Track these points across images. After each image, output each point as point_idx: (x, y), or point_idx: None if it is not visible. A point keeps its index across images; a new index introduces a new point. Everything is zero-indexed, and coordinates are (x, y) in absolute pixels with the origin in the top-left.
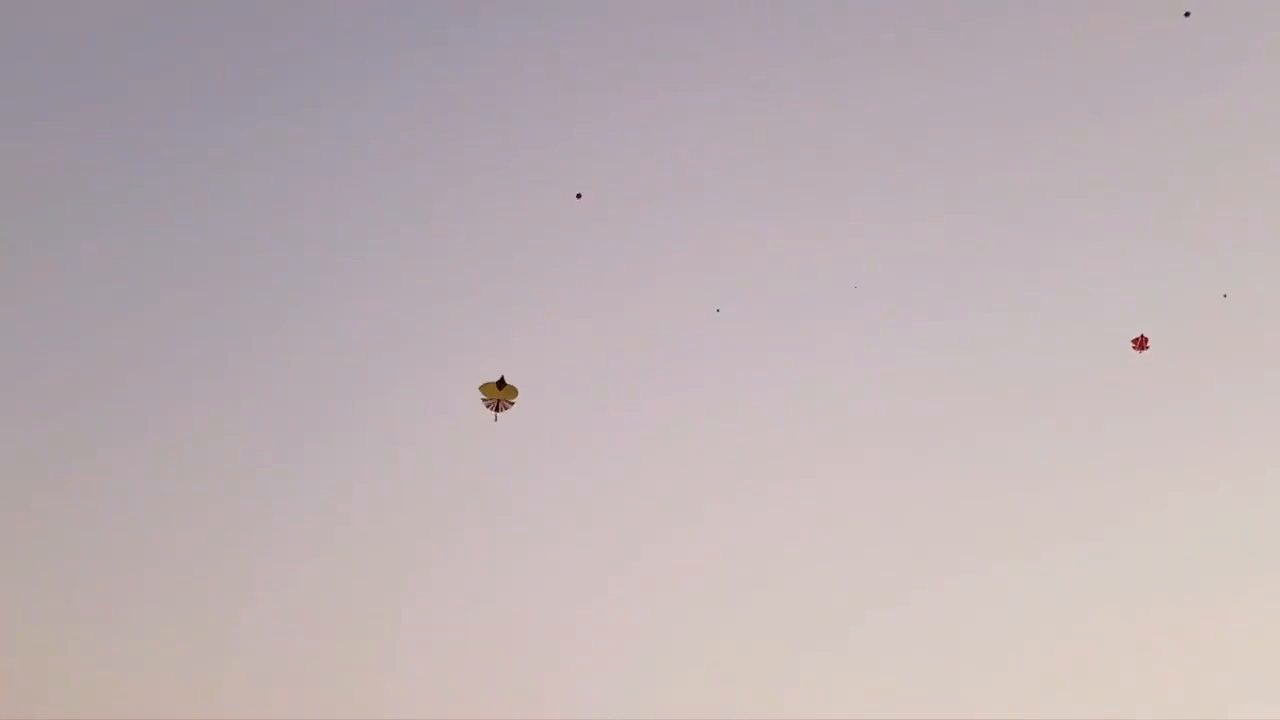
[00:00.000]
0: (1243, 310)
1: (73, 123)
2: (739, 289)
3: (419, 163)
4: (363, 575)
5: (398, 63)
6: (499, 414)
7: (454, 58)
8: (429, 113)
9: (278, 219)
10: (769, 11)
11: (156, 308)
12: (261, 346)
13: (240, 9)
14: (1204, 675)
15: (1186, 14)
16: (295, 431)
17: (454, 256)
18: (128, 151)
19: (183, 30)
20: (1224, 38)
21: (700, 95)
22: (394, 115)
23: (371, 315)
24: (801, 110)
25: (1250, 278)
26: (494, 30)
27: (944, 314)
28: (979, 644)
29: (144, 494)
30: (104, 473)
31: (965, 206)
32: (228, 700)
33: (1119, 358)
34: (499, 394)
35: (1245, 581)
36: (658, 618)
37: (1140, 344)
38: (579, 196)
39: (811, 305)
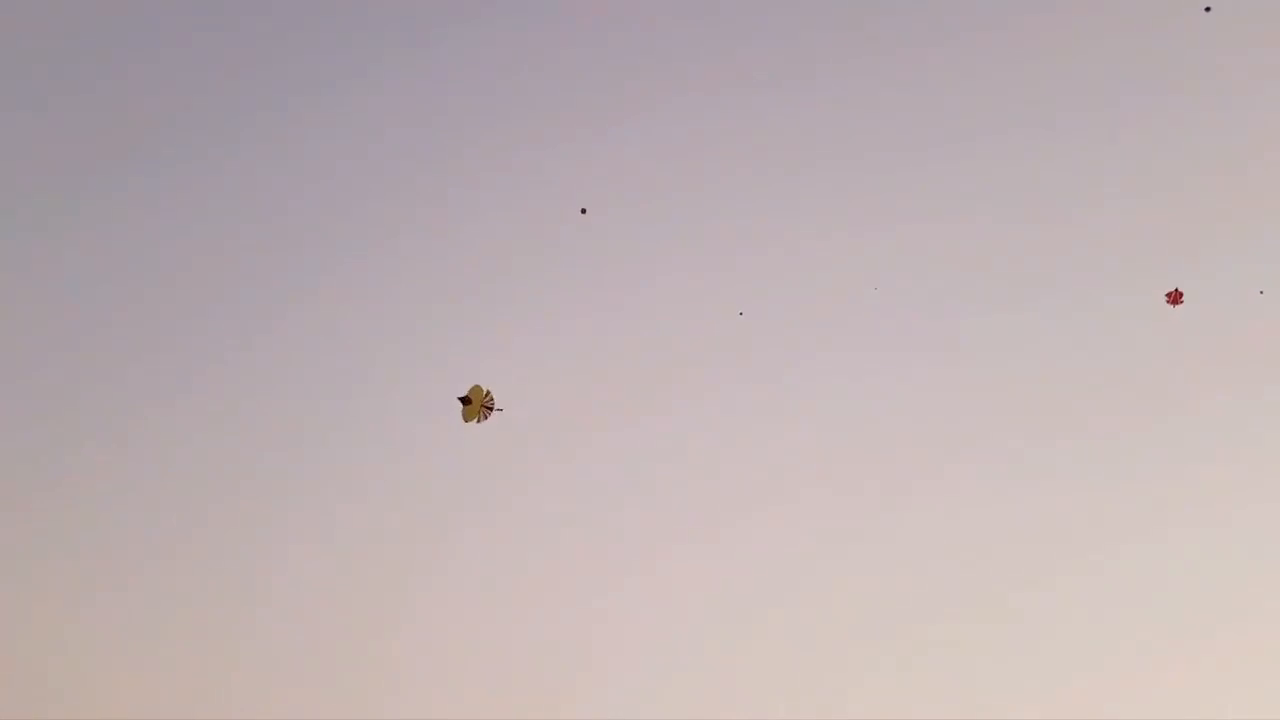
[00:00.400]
0: None
1: (63, 120)
2: (761, 292)
3: (423, 167)
4: (368, 577)
5: (396, 67)
6: (497, 411)
7: (453, 62)
8: (431, 118)
9: (278, 221)
10: (787, 13)
11: (155, 307)
12: (264, 346)
13: (236, 11)
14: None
15: (1207, 9)
16: (301, 431)
17: (463, 264)
18: (119, 152)
19: (185, 31)
20: (1247, 31)
21: (717, 97)
22: (394, 120)
23: (380, 315)
24: (821, 109)
25: None
26: (494, 33)
27: (973, 313)
28: (1005, 651)
29: (145, 494)
30: (104, 474)
31: (989, 206)
32: (229, 701)
33: (1155, 357)
34: (476, 408)
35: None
36: (677, 625)
37: (1175, 298)
38: (584, 211)
39: (836, 308)
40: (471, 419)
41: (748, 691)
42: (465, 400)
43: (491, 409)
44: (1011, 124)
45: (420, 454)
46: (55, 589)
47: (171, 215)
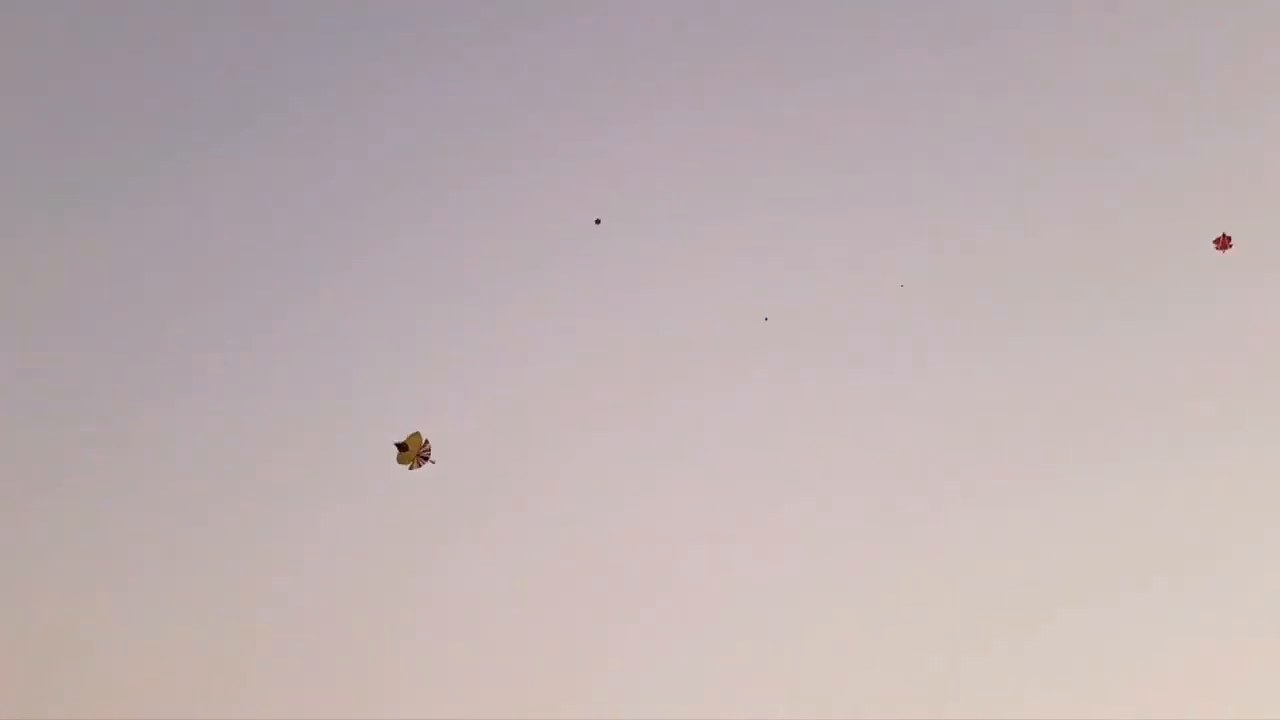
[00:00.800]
0: None
1: (62, 120)
2: (785, 296)
3: (432, 169)
4: (370, 578)
5: (400, 69)
6: (430, 463)
7: (459, 65)
8: (438, 119)
9: (281, 221)
10: (808, 13)
11: (156, 307)
12: (266, 346)
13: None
14: None
15: None
16: (302, 432)
17: (468, 266)
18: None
19: (188, 31)
20: None
21: (732, 99)
22: (399, 120)
23: (385, 315)
24: (838, 112)
25: None
26: (498, 34)
27: (998, 314)
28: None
29: (144, 496)
30: (102, 476)
31: (1010, 209)
32: (228, 702)
33: (1184, 361)
34: (411, 455)
35: None
36: (681, 627)
37: (1223, 243)
38: (598, 222)
39: (860, 307)
40: (405, 464)
41: (757, 693)
42: (402, 447)
43: (426, 459)
44: (1040, 123)
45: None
46: (54, 589)
47: (170, 216)
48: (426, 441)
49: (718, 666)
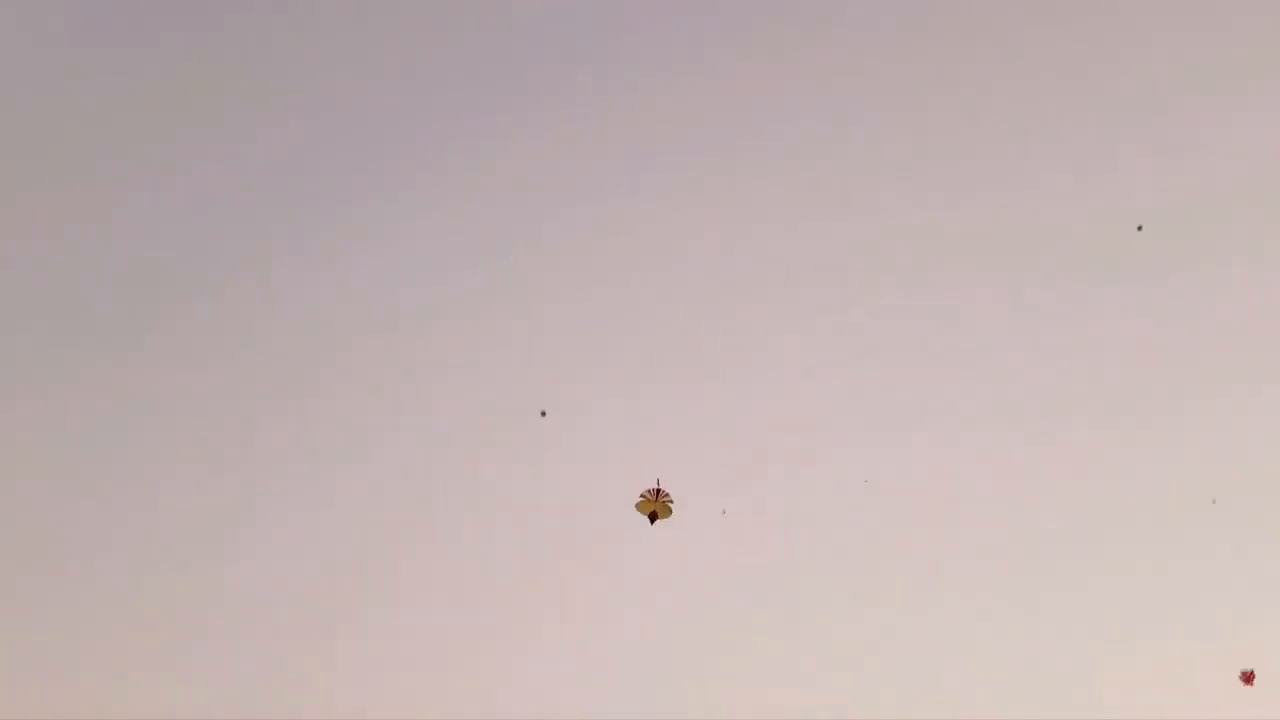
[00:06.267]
0: None
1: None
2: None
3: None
4: (353, 574)
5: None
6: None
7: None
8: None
9: (270, 205)
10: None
11: (152, 299)
12: (265, 345)
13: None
14: None
15: None
16: (295, 430)
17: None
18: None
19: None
20: None
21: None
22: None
23: (396, 311)
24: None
25: None
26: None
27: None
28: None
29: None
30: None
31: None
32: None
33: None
34: (654, 505)
35: None
36: (679, 624)
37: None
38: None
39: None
40: (662, 514)
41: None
42: (657, 494)
43: (654, 511)
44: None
45: (415, 447)
46: (52, 591)
47: (167, 208)
48: (655, 495)
49: (708, 665)
